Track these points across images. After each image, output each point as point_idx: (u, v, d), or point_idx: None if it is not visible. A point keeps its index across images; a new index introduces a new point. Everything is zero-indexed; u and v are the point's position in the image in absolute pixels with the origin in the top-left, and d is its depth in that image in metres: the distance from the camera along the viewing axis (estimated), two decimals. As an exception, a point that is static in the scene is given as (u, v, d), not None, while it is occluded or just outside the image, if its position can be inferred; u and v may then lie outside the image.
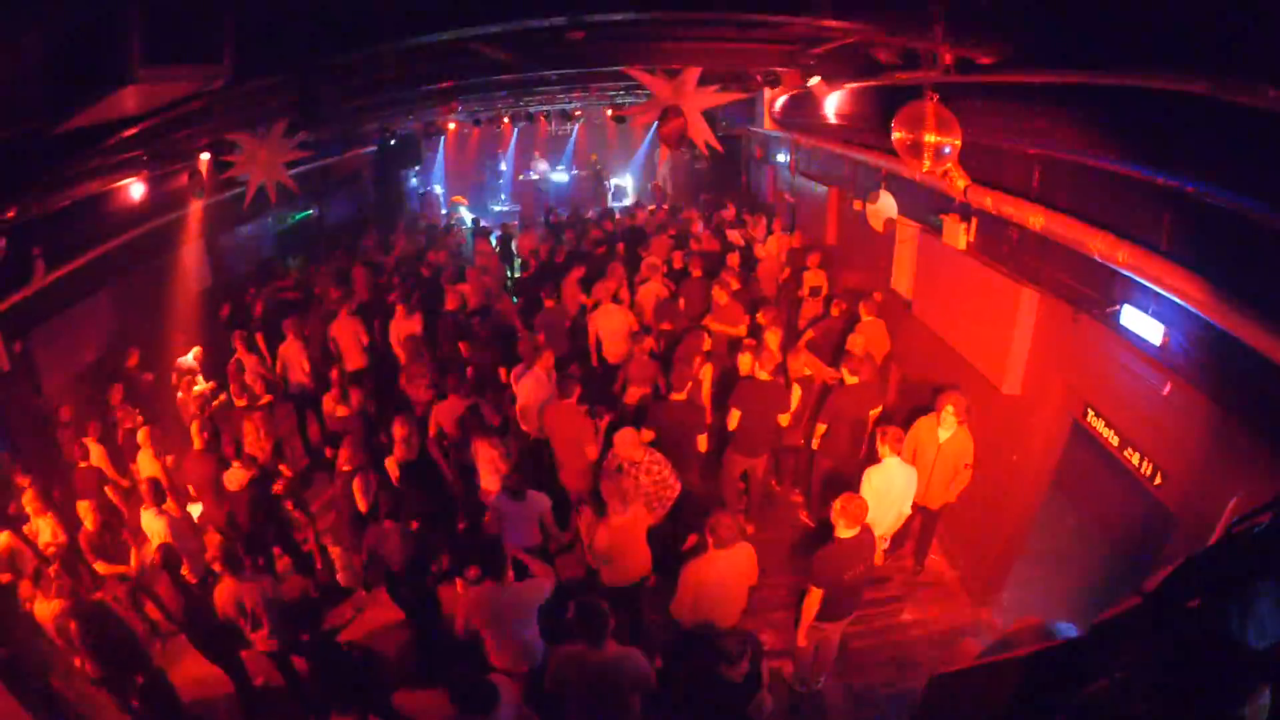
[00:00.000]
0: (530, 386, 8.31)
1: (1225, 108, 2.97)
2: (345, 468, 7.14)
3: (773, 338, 8.58)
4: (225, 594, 5.92)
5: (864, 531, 5.68)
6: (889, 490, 6.50)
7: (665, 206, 18.39)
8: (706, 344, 9.42)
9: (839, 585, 5.68)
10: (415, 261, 14.52)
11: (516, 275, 15.56)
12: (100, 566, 6.78)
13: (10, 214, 6.00)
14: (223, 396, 9.45)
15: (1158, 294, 4.57)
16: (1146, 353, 4.99)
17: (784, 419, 7.86)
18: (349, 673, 5.81)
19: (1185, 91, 3.19)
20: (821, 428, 7.86)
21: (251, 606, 5.93)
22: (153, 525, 6.89)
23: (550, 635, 5.63)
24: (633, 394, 8.55)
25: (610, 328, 9.92)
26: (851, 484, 6.56)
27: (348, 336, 10.44)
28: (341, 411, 8.59)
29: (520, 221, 17.93)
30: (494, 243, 16.09)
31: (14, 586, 6.41)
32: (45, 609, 5.91)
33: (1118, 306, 5.16)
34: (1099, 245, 4.81)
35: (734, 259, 12.26)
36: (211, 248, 12.81)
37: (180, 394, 9.66)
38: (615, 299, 10.44)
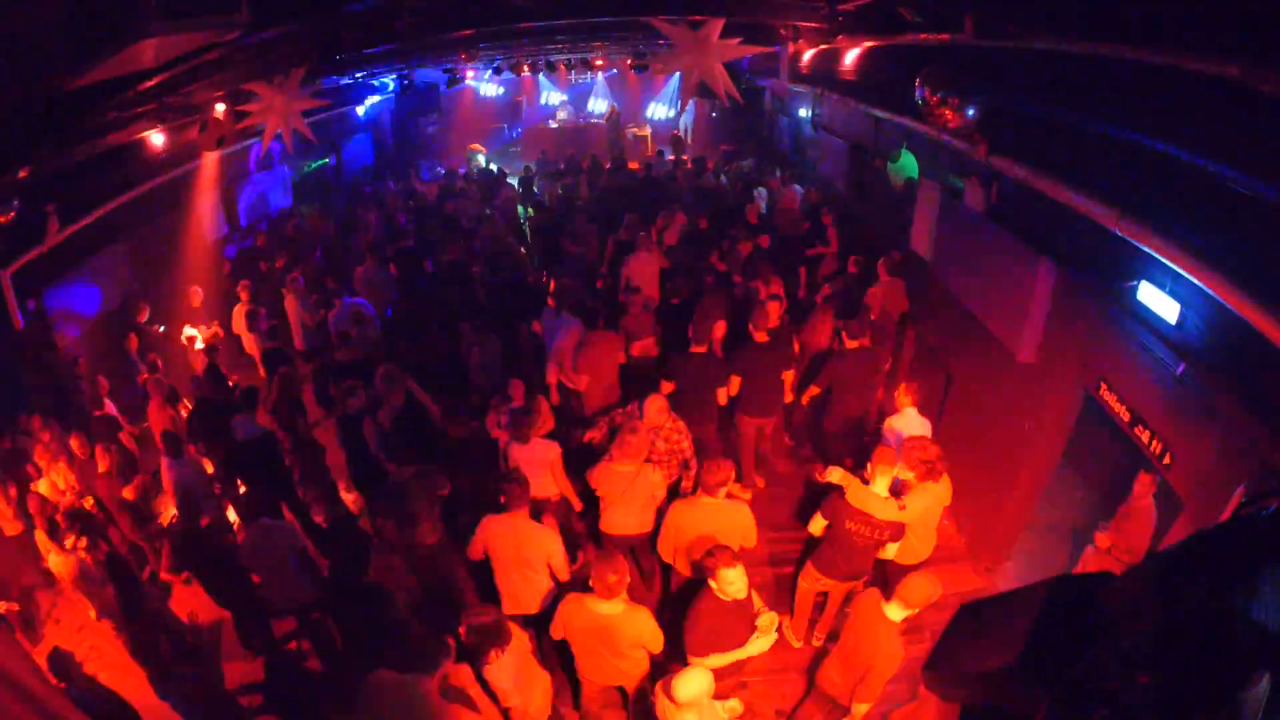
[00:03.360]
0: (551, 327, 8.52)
1: (1255, 95, 2.91)
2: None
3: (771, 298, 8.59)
4: (244, 542, 6.00)
5: (890, 500, 5.66)
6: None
7: (686, 157, 18.17)
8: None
9: (837, 533, 5.72)
10: (433, 209, 14.49)
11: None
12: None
13: (24, 173, 5.99)
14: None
15: (1175, 273, 4.53)
16: (1161, 330, 4.95)
17: (789, 376, 7.85)
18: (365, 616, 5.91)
19: (1217, 74, 3.13)
20: (815, 390, 7.88)
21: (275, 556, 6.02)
22: (166, 475, 6.99)
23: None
24: (635, 348, 8.52)
25: (643, 274, 9.91)
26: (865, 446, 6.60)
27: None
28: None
29: (540, 167, 17.77)
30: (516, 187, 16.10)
31: (28, 539, 6.54)
32: (60, 560, 6.03)
33: (1135, 282, 5.11)
34: (1120, 219, 4.76)
35: (753, 210, 12.18)
36: (226, 198, 12.83)
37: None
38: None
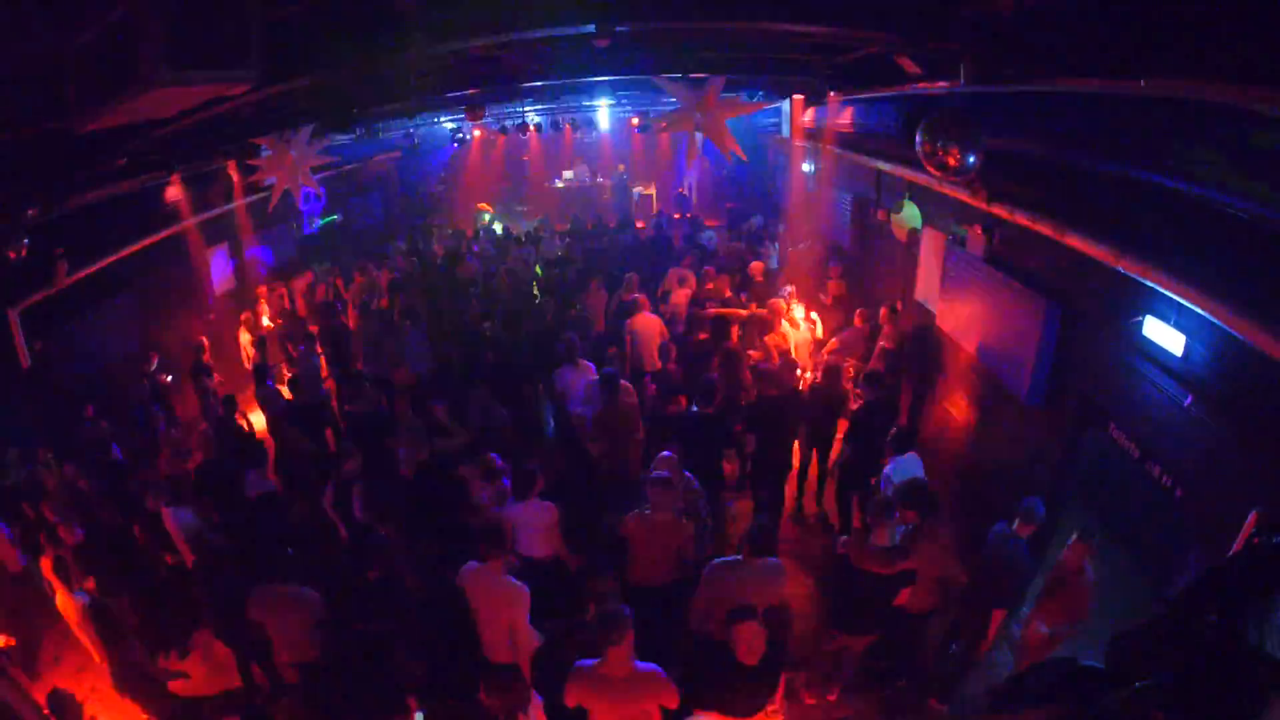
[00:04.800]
0: (571, 379, 8.56)
1: (1249, 117, 2.94)
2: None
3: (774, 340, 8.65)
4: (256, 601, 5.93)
5: (896, 549, 5.59)
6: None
7: (689, 215, 18.37)
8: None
9: (848, 590, 5.61)
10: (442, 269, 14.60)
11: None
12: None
13: (31, 213, 6.09)
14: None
15: (1180, 305, 4.54)
16: (1168, 365, 4.94)
17: (800, 430, 7.81)
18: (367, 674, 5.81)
19: (1212, 101, 3.16)
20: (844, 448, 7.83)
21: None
22: (168, 523, 6.89)
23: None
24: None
25: (645, 335, 9.86)
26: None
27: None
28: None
29: (546, 228, 17.99)
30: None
31: (32, 576, 6.49)
32: (65, 601, 5.98)
33: (1140, 318, 5.11)
34: (1122, 256, 4.78)
35: (757, 268, 12.25)
36: (235, 251, 13.00)
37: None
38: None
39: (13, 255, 6.13)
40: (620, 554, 6.25)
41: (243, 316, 11.55)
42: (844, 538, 5.76)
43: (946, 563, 5.95)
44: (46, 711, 4.94)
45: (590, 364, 8.64)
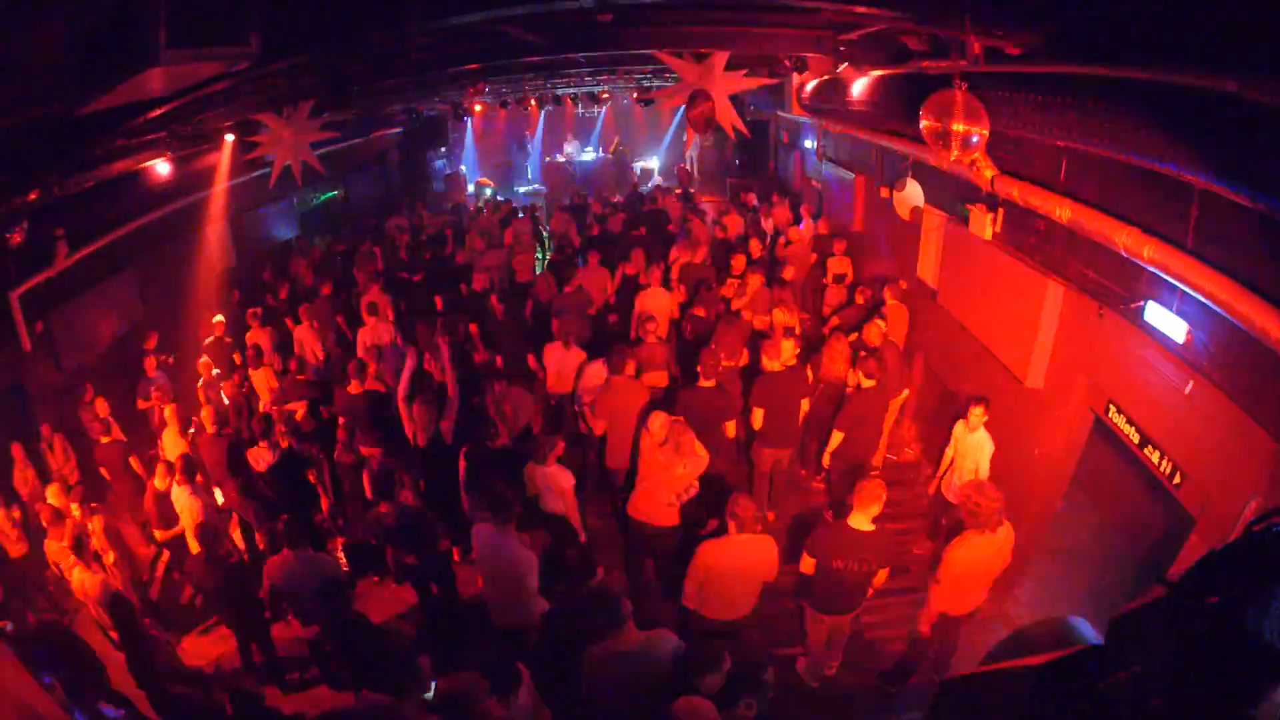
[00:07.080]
0: (556, 359, 8.67)
1: (1254, 106, 2.92)
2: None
3: (781, 317, 8.60)
4: (276, 568, 5.93)
5: (877, 531, 5.57)
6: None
7: (692, 190, 18.27)
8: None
9: (826, 571, 5.63)
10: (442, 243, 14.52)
11: (547, 257, 15.43)
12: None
13: (33, 196, 6.07)
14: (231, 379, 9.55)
15: (1182, 291, 4.53)
16: (1170, 350, 4.94)
17: (805, 404, 7.79)
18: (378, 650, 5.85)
19: (1215, 89, 3.13)
20: (838, 436, 7.73)
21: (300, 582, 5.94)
22: (185, 502, 6.89)
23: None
24: (646, 378, 8.29)
25: (657, 308, 9.74)
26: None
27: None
28: (353, 389, 8.49)
29: (547, 203, 17.89)
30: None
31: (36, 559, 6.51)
32: (86, 578, 5.99)
33: (1142, 302, 5.10)
34: (1125, 240, 4.76)
35: (755, 245, 12.20)
36: (235, 228, 12.95)
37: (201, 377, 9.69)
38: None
39: (13, 239, 6.12)
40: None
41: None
42: (811, 537, 5.79)
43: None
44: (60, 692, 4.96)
45: (581, 349, 8.61)
